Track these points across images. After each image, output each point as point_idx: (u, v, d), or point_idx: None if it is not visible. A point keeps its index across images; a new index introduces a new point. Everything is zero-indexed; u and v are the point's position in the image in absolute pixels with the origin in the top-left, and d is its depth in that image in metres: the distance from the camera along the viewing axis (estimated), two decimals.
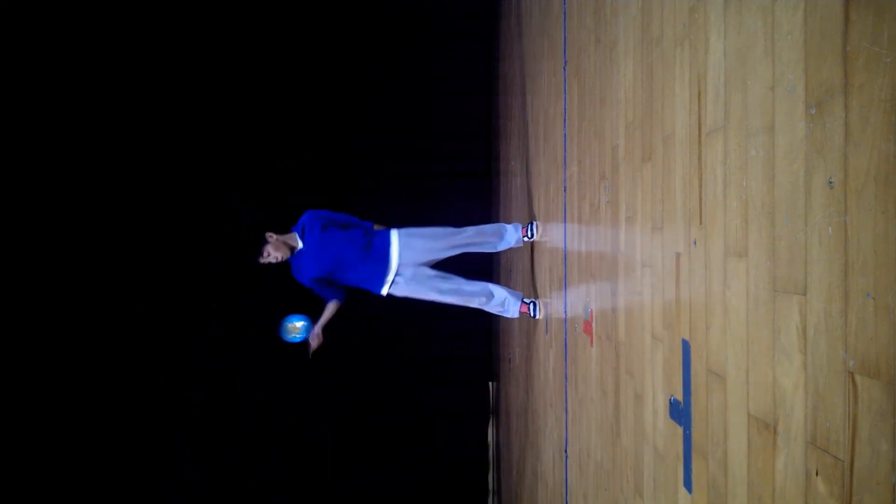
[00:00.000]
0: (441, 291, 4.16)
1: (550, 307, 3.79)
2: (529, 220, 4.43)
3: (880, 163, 0.87)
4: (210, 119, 8.12)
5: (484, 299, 4.21)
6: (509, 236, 4.28)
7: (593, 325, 2.66)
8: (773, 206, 1.16)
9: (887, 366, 0.86)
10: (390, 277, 4.11)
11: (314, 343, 4.42)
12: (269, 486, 8.54)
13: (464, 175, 8.61)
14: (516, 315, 4.32)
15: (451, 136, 8.62)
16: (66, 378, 7.78)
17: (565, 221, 3.29)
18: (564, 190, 3.31)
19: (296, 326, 4.41)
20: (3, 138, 7.20)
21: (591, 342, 2.69)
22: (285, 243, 4.17)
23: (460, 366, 8.71)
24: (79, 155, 7.86)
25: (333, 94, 8.38)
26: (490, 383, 8.71)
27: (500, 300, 4.23)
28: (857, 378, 0.92)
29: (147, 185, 8.04)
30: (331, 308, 4.35)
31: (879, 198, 0.87)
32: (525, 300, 4.27)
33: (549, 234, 3.87)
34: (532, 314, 4.22)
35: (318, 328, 4.40)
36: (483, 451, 8.83)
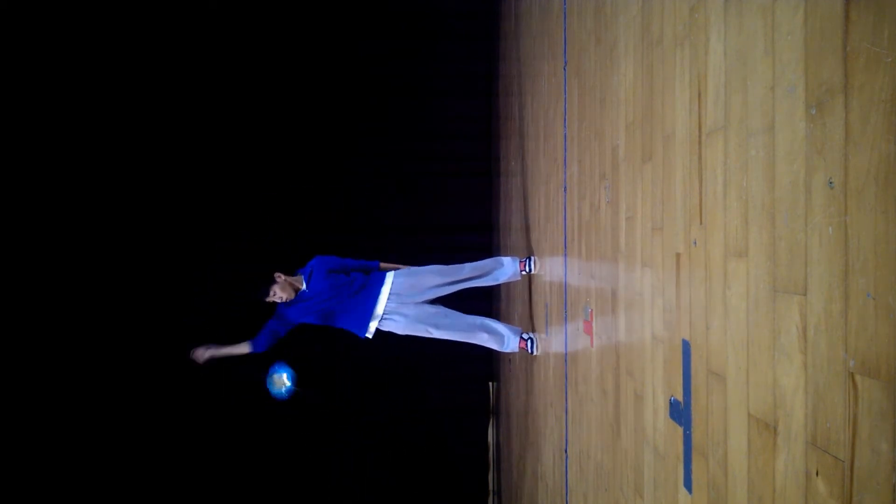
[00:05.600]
0: (440, 327, 4.26)
1: (551, 307, 3.79)
2: (527, 255, 4.55)
3: (880, 163, 0.87)
4: (211, 119, 8.12)
5: (486, 336, 4.32)
6: (507, 269, 4.41)
7: (593, 325, 2.66)
8: (773, 206, 1.16)
9: (887, 366, 0.86)
10: (374, 324, 4.22)
11: (200, 356, 4.22)
12: (265, 484, 8.53)
13: (464, 175, 8.59)
14: (515, 350, 4.41)
15: (451, 136, 8.61)
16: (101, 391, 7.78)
17: (565, 221, 3.29)
18: (564, 190, 3.31)
19: (282, 378, 4.34)
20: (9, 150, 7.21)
21: (592, 342, 2.69)
22: (291, 284, 4.21)
23: (460, 366, 8.70)
24: (86, 164, 7.86)
25: (333, 95, 8.37)
26: (490, 383, 8.71)
27: (499, 336, 4.33)
28: (858, 378, 0.92)
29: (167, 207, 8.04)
30: (242, 348, 4.23)
31: (879, 198, 0.87)
32: (524, 336, 4.35)
33: (545, 269, 3.96)
34: (530, 350, 4.31)
35: (214, 349, 4.22)
36: (483, 451, 8.82)
